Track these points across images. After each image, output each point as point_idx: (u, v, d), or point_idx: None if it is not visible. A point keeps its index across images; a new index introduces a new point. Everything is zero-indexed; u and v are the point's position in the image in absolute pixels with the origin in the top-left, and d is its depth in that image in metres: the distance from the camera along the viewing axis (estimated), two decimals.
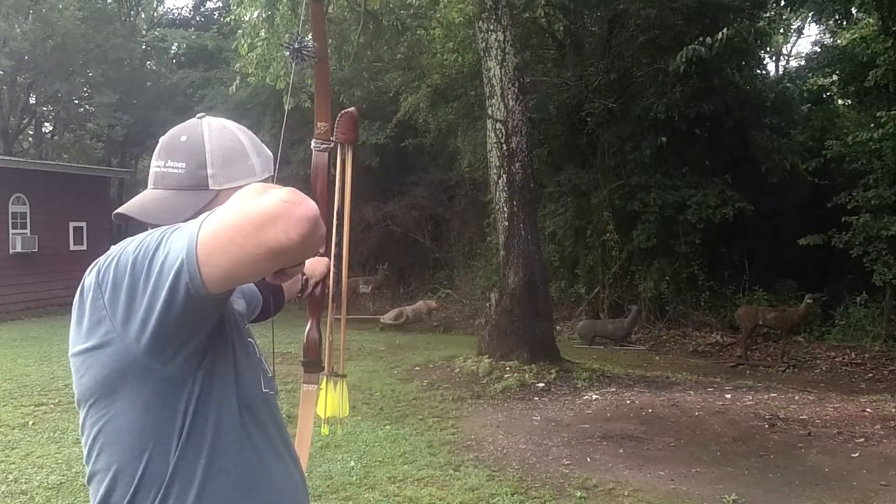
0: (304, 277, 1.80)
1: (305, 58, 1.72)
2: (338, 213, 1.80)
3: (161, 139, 1.33)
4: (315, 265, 1.83)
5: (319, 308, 1.84)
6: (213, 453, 1.16)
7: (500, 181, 8.30)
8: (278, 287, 1.73)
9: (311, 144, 1.74)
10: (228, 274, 0.99)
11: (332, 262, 1.83)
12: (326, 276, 1.83)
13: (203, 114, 1.35)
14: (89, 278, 1.12)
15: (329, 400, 1.81)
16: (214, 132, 1.29)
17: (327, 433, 1.86)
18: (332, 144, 1.77)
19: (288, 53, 1.73)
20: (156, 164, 1.30)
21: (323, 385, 1.81)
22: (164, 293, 1.01)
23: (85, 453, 1.19)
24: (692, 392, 7.35)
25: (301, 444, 1.68)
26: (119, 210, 1.25)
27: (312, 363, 1.80)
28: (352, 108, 1.82)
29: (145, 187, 1.32)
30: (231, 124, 1.34)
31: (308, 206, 0.98)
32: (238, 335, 1.28)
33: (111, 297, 1.08)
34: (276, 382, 1.40)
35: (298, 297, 1.84)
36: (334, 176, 1.81)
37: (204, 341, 1.12)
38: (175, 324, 1.04)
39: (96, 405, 1.15)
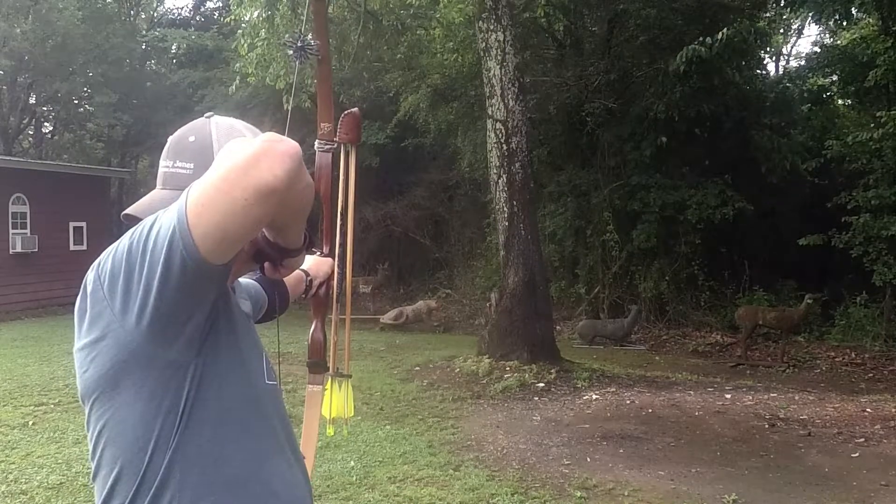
0: (309, 278, 1.80)
1: (309, 56, 1.71)
2: (341, 214, 1.80)
3: (169, 139, 1.33)
4: (319, 266, 1.83)
5: (324, 309, 1.84)
6: (215, 440, 1.15)
7: (500, 181, 8.30)
8: (283, 287, 1.73)
9: (314, 145, 1.74)
10: (221, 229, 0.97)
11: (335, 263, 1.83)
12: (330, 276, 1.83)
13: (211, 113, 1.35)
14: (90, 275, 1.13)
15: (334, 400, 1.81)
16: (223, 132, 1.29)
17: (333, 434, 1.86)
18: (335, 145, 1.76)
19: (291, 52, 1.72)
20: (164, 165, 1.30)
21: (328, 386, 1.81)
22: (159, 268, 1.01)
23: (90, 449, 1.19)
24: (692, 392, 7.35)
25: (307, 445, 1.68)
26: (127, 211, 1.25)
27: (317, 364, 1.79)
28: (355, 109, 1.82)
29: (145, 187, 1.32)
30: (239, 123, 1.33)
31: (289, 143, 1.00)
32: (244, 326, 1.28)
33: (110, 287, 1.08)
34: (279, 382, 1.39)
35: (303, 298, 1.84)
36: (337, 176, 1.80)
37: (204, 323, 1.12)
38: (174, 300, 1.03)
39: (100, 399, 1.14)
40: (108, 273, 1.08)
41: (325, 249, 1.85)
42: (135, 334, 1.07)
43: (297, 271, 1.80)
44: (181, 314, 1.07)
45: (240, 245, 1.04)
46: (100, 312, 1.10)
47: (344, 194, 1.80)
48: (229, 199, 0.96)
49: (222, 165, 0.98)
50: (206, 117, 1.33)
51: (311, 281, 1.81)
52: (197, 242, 0.98)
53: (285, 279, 1.72)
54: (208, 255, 0.99)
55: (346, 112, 1.79)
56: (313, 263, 1.83)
